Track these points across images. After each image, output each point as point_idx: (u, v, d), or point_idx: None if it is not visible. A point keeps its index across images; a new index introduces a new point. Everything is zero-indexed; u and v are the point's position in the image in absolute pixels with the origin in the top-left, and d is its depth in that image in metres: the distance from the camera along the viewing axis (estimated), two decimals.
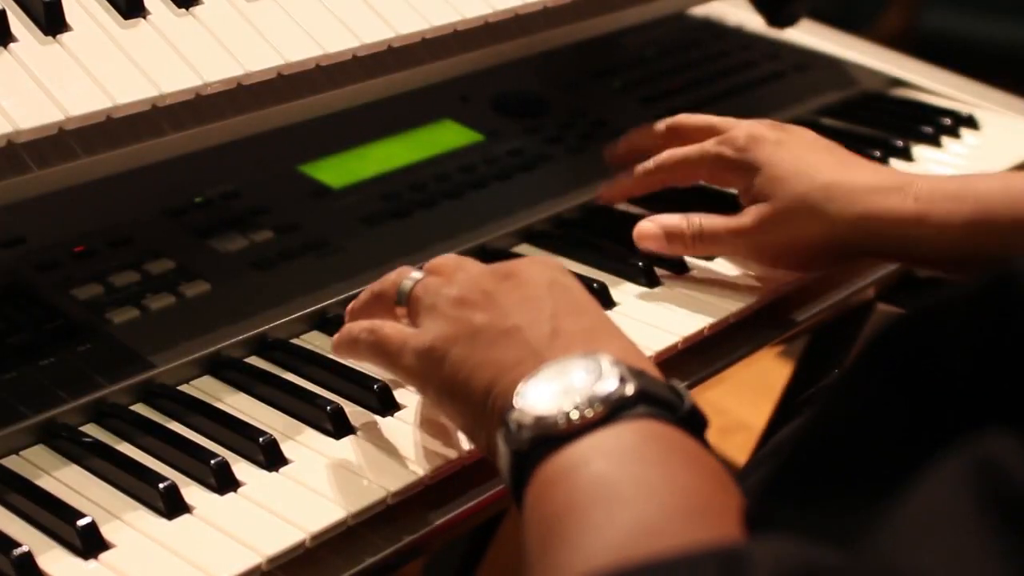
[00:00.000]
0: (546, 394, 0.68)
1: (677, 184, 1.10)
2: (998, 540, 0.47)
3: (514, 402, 0.69)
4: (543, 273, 0.79)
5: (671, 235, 1.03)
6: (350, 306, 0.89)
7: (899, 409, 0.55)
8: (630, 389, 0.67)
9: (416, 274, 0.84)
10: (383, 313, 0.85)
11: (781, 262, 1.03)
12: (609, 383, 0.67)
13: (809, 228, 0.99)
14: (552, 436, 0.67)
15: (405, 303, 0.83)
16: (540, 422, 0.67)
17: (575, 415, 0.66)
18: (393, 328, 0.82)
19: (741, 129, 1.05)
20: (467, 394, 0.75)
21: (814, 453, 0.59)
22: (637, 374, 0.68)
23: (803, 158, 1.01)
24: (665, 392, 0.69)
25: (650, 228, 1.03)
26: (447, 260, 0.85)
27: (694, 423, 0.69)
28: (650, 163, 1.09)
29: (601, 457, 0.65)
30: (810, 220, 0.99)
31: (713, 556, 0.54)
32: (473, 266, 0.82)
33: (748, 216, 1.01)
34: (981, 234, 0.95)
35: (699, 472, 0.65)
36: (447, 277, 0.82)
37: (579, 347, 0.72)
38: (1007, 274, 0.53)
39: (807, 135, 1.05)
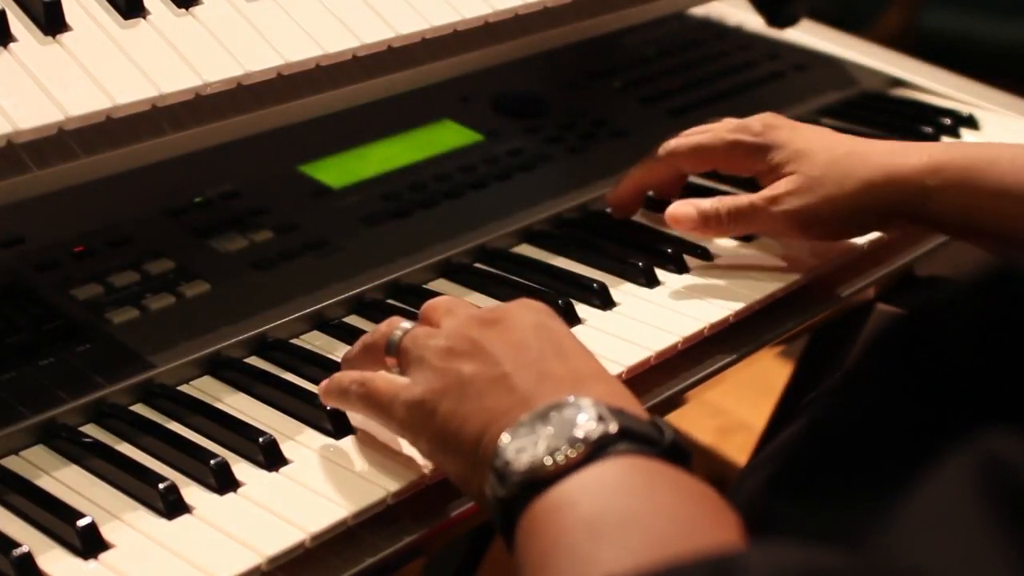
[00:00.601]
0: (530, 440, 0.70)
1: (687, 171, 1.12)
2: (1005, 536, 0.47)
3: (499, 451, 0.71)
4: (528, 317, 0.80)
5: (706, 216, 1.04)
6: (345, 355, 0.89)
7: (902, 408, 0.55)
8: (613, 427, 0.69)
9: (405, 324, 0.84)
10: (374, 363, 0.85)
11: (814, 231, 1.05)
12: (590, 424, 0.69)
13: (837, 193, 1.02)
14: (537, 480, 0.68)
15: (394, 353, 0.83)
16: (525, 468, 0.69)
17: (559, 457, 0.68)
18: (384, 380, 0.82)
19: (752, 118, 1.08)
20: (458, 444, 0.76)
21: (818, 452, 0.59)
22: (617, 413, 0.70)
23: (820, 136, 1.06)
24: (646, 428, 0.70)
25: (685, 210, 1.05)
26: (436, 305, 0.85)
27: (677, 455, 0.70)
28: (660, 150, 1.10)
29: (585, 495, 0.66)
30: (838, 185, 1.02)
31: (705, 565, 0.54)
32: (462, 310, 0.82)
33: (778, 188, 1.04)
34: (988, 192, 0.99)
35: (684, 496, 0.66)
36: (435, 325, 0.82)
37: (566, 390, 0.73)
38: (1008, 271, 0.53)
39: (813, 125, 1.10)
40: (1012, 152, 1.01)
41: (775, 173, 1.05)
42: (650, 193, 1.14)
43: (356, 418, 0.87)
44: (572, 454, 0.68)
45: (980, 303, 0.53)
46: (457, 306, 0.83)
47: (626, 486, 0.66)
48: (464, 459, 0.76)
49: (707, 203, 1.05)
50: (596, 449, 0.68)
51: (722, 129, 1.08)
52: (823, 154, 1.04)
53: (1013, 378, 0.51)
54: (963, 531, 0.48)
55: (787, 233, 1.06)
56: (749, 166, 1.07)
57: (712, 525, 0.64)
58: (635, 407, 0.73)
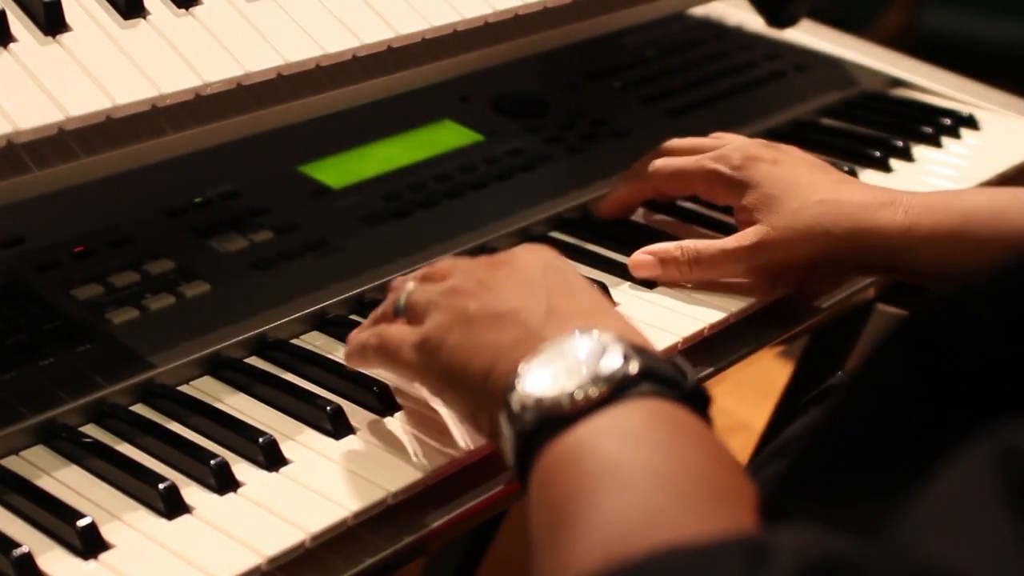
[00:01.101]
0: (548, 374, 0.68)
1: (669, 194, 1.11)
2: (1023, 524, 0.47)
3: (516, 383, 0.69)
4: (537, 258, 0.80)
5: (665, 262, 1.03)
6: (352, 333, 0.89)
7: (919, 400, 0.55)
8: (634, 367, 0.67)
9: (410, 284, 0.85)
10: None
11: (779, 281, 1.04)
12: (613, 361, 0.67)
13: (805, 246, 1.01)
14: (557, 417, 0.66)
15: (404, 313, 0.83)
16: (543, 403, 0.67)
17: (579, 395, 0.66)
18: (396, 328, 0.83)
19: (733, 146, 1.07)
20: (466, 378, 0.75)
21: (833, 445, 0.59)
22: (639, 351, 0.68)
23: (797, 177, 1.03)
24: (669, 369, 0.69)
25: (644, 259, 1.04)
26: (440, 264, 0.85)
27: (698, 399, 0.69)
28: (643, 171, 1.09)
29: (608, 440, 0.65)
30: (805, 238, 1.00)
31: (737, 545, 0.54)
32: (466, 262, 0.83)
33: (745, 238, 1.02)
34: (966, 246, 0.98)
35: (709, 455, 0.65)
36: (441, 277, 0.83)
37: (577, 326, 0.72)
38: (1020, 266, 0.53)
39: (798, 153, 1.07)
40: (988, 202, 1.00)
41: (745, 212, 1.04)
42: None
43: (387, 376, 0.87)
44: (594, 393, 0.66)
45: (997, 294, 0.54)
46: (461, 260, 0.84)
47: (651, 437, 0.65)
48: (473, 393, 0.75)
49: (668, 248, 1.04)
50: (618, 389, 0.66)
51: (705, 156, 1.07)
52: (795, 201, 1.01)
53: None
54: (981, 520, 0.48)
55: (751, 282, 1.04)
56: (723, 198, 1.07)
57: (735, 494, 0.63)
58: (651, 347, 0.72)
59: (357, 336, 0.86)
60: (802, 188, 1.02)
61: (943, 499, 0.49)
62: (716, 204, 1.10)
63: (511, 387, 0.70)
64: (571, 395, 0.66)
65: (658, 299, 1.03)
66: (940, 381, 0.55)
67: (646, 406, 0.66)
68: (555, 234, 1.13)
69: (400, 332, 0.82)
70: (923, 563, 0.48)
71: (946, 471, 0.50)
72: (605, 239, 1.11)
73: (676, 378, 0.69)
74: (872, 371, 0.58)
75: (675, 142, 1.11)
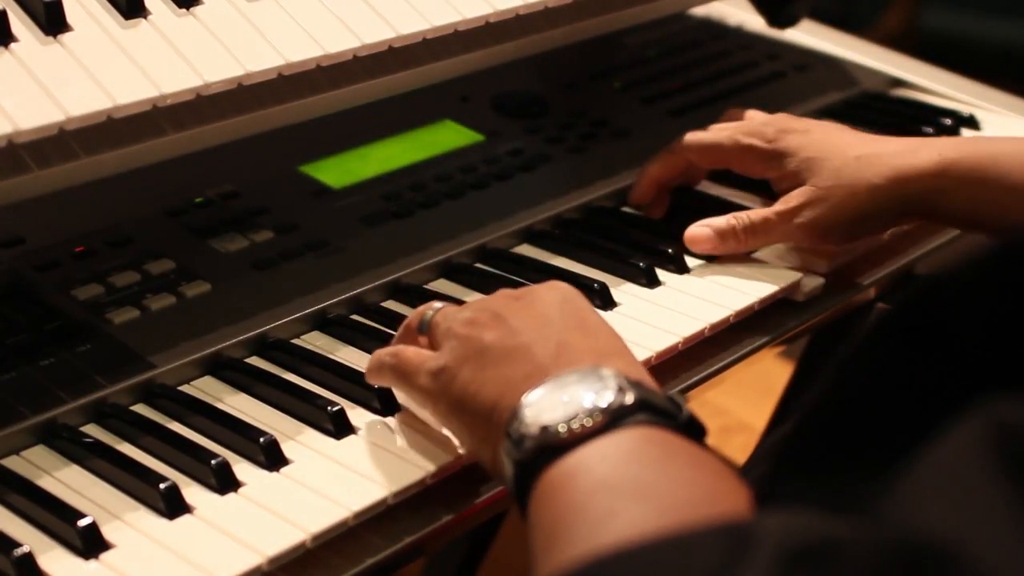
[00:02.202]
0: (548, 405, 0.70)
1: (701, 166, 1.15)
2: (1014, 494, 0.47)
3: (517, 414, 0.71)
4: (555, 295, 0.82)
5: (723, 233, 1.07)
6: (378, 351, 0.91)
7: (907, 381, 0.56)
8: (629, 398, 0.69)
9: (438, 304, 0.87)
10: (410, 344, 0.87)
11: (831, 237, 1.07)
12: (608, 394, 0.69)
13: (853, 200, 1.04)
14: (554, 445, 0.68)
15: (426, 332, 0.85)
16: (542, 432, 0.69)
17: (575, 424, 0.68)
18: (413, 351, 0.84)
19: (762, 119, 1.12)
20: (474, 410, 0.77)
21: (821, 428, 0.60)
22: (636, 385, 0.70)
23: (831, 139, 1.08)
24: (664, 402, 0.71)
25: (701, 231, 1.07)
26: (472, 300, 0.88)
27: (693, 431, 0.70)
28: (674, 144, 1.12)
29: (602, 461, 0.67)
30: (851, 191, 1.04)
31: (718, 532, 0.55)
32: (486, 298, 0.85)
33: (792, 200, 1.06)
34: (996, 187, 1.02)
35: (701, 468, 0.66)
36: (465, 305, 0.85)
37: (585, 363, 0.74)
38: (1009, 248, 0.53)
39: (827, 123, 1.12)
40: (1016, 147, 1.04)
41: (787, 181, 1.08)
42: None
43: (400, 395, 0.88)
44: (589, 422, 0.68)
45: (989, 272, 0.54)
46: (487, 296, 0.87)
47: (643, 455, 0.67)
48: (479, 424, 0.77)
49: (722, 221, 1.07)
50: (614, 419, 0.68)
51: (738, 131, 1.11)
52: (834, 160, 1.06)
53: (1018, 347, 0.52)
54: (972, 492, 0.48)
55: (805, 242, 1.08)
56: (761, 171, 1.10)
57: (727, 498, 0.64)
58: (651, 384, 0.74)
59: (377, 353, 0.88)
60: (839, 147, 1.06)
61: (933, 473, 0.49)
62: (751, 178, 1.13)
63: (513, 418, 0.72)
64: (568, 425, 0.69)
65: (659, 299, 1.03)
66: (928, 362, 0.55)
67: (640, 432, 0.68)
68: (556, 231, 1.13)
69: (418, 356, 0.83)
70: (912, 535, 0.48)
71: (936, 447, 0.50)
72: (607, 237, 1.11)
73: (671, 410, 0.70)
74: (860, 355, 0.59)
75: (703, 130, 1.14)
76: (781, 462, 0.62)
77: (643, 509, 0.62)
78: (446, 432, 0.85)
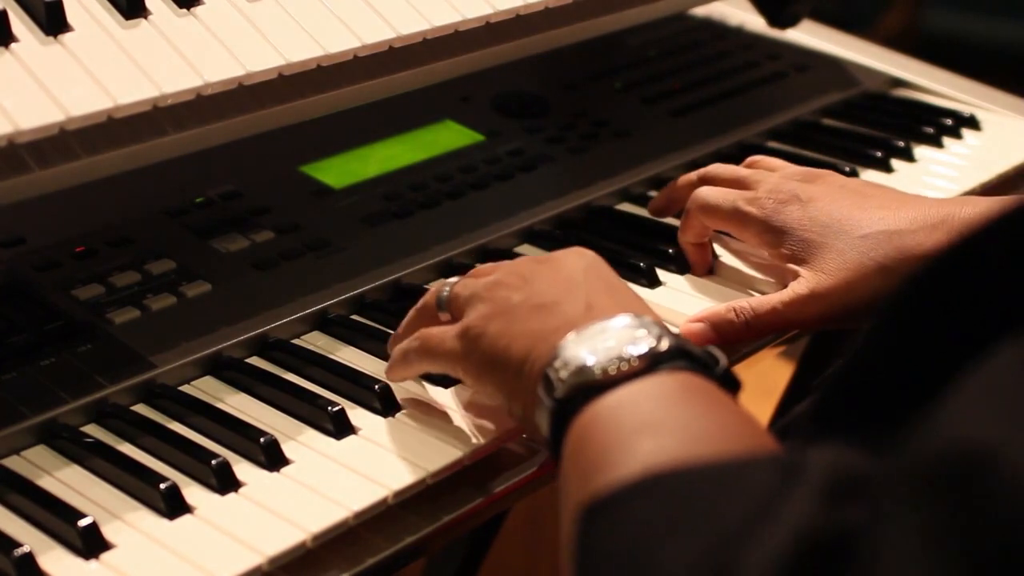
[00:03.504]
0: (586, 347, 0.71)
1: (708, 225, 1.06)
2: None
3: (554, 357, 0.72)
4: (579, 259, 0.83)
5: (719, 326, 0.97)
6: (395, 333, 0.91)
7: (943, 329, 0.55)
8: (666, 344, 0.70)
9: (452, 279, 0.87)
10: (428, 324, 0.87)
11: (845, 322, 0.99)
12: (649, 340, 0.70)
13: (864, 284, 0.96)
14: (592, 384, 0.69)
15: (446, 307, 0.86)
16: (580, 372, 0.70)
17: (613, 367, 0.69)
18: (437, 328, 0.85)
19: (767, 187, 1.02)
20: (505, 363, 0.78)
21: (857, 380, 0.59)
22: (675, 336, 0.72)
23: (834, 215, 0.99)
24: (702, 353, 0.72)
25: (695, 327, 0.98)
26: (484, 265, 0.88)
27: (729, 383, 0.71)
28: (689, 202, 1.05)
29: (644, 399, 0.68)
30: (862, 277, 0.96)
31: (769, 460, 0.56)
32: (510, 261, 0.86)
33: (801, 287, 0.97)
34: None
35: (736, 417, 0.67)
36: (485, 275, 0.85)
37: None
38: None
39: (834, 182, 1.03)
40: None
41: (784, 258, 1.00)
42: None
43: (405, 389, 0.89)
44: (627, 366, 0.69)
45: (1011, 232, 0.53)
46: (504, 261, 0.87)
47: (682, 397, 0.68)
48: (510, 377, 0.77)
49: (721, 313, 0.98)
50: (652, 363, 0.69)
51: (740, 198, 1.02)
52: (837, 242, 0.97)
53: None
54: (1014, 401, 0.47)
55: (813, 328, 1.02)
56: (758, 244, 1.03)
57: (764, 446, 0.64)
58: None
59: (397, 347, 0.88)
60: (843, 226, 0.98)
61: (974, 391, 0.48)
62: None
63: (550, 361, 0.72)
64: (606, 366, 0.70)
65: (659, 299, 1.03)
66: (963, 309, 0.54)
67: (679, 377, 0.69)
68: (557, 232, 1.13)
69: (440, 329, 0.84)
70: (952, 445, 0.47)
71: (976, 372, 0.49)
72: (607, 237, 1.11)
73: (708, 361, 0.72)
74: (894, 310, 0.58)
75: (717, 170, 1.08)
76: (818, 415, 0.62)
77: (684, 447, 0.63)
78: (452, 404, 0.85)
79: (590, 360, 0.70)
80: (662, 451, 0.62)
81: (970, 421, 0.48)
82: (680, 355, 0.70)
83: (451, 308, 0.85)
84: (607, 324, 0.73)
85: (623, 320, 0.73)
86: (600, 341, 0.71)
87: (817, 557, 0.50)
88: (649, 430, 0.65)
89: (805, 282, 0.97)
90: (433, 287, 0.88)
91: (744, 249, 1.09)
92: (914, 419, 0.50)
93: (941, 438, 0.48)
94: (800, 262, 0.99)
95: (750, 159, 1.10)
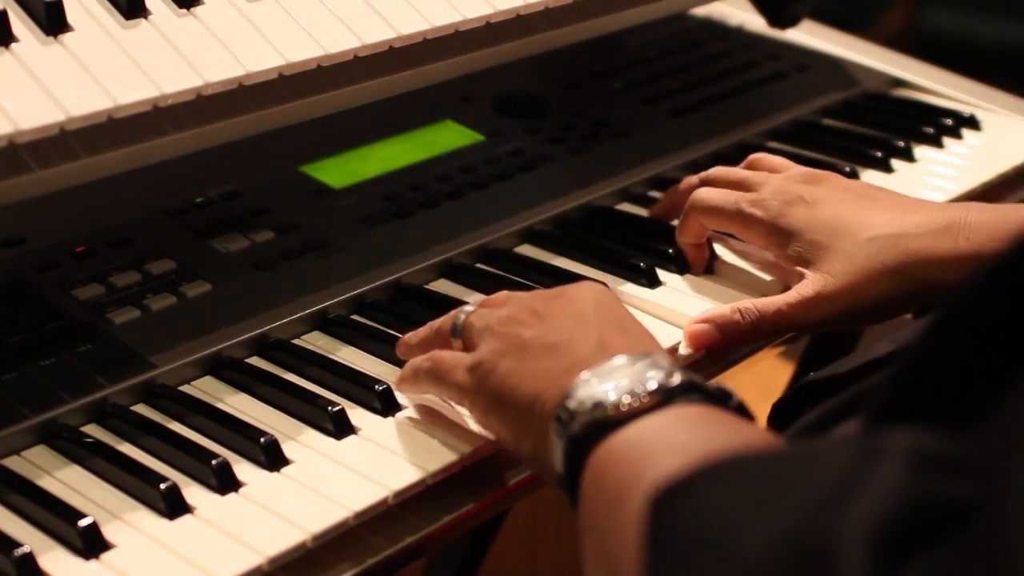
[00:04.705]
0: (599, 386, 0.71)
1: (709, 227, 1.05)
2: None
3: (567, 396, 0.72)
4: (590, 294, 0.82)
5: (725, 328, 0.97)
6: (404, 338, 0.91)
7: (1020, 318, 0.53)
8: (678, 379, 0.70)
9: (469, 307, 0.87)
10: (442, 347, 0.87)
11: (855, 324, 1.00)
12: (660, 374, 0.70)
13: (871, 286, 0.95)
14: (606, 421, 0.69)
15: (460, 335, 0.86)
16: (593, 409, 0.70)
17: (626, 401, 0.69)
18: (449, 353, 0.85)
19: (771, 189, 1.01)
20: (515, 402, 0.77)
21: (927, 373, 0.57)
22: (687, 371, 0.71)
23: (840, 217, 0.98)
24: (713, 387, 0.72)
25: (701, 328, 0.97)
26: (499, 294, 0.88)
27: (744, 416, 0.71)
28: (690, 198, 1.05)
29: (663, 430, 0.67)
30: (868, 279, 0.95)
31: (846, 443, 0.55)
32: (523, 293, 0.86)
33: (804, 290, 0.96)
34: None
35: (769, 440, 0.67)
36: (499, 305, 0.85)
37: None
38: None
39: (839, 185, 1.02)
40: None
41: (789, 260, 0.99)
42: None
43: (432, 400, 0.89)
44: (640, 402, 0.69)
45: None
46: (518, 292, 0.87)
47: (701, 425, 0.67)
48: (520, 416, 0.77)
49: (724, 314, 0.97)
50: (666, 397, 0.69)
51: (743, 199, 1.02)
52: (844, 244, 0.96)
53: None
54: None
55: (819, 329, 1.01)
56: (764, 245, 1.02)
57: None
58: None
59: (411, 361, 0.88)
60: (850, 227, 0.97)
61: None
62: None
63: (562, 401, 0.72)
64: (619, 403, 0.69)
65: (660, 299, 1.03)
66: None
67: (695, 408, 0.69)
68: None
69: (453, 356, 0.84)
70: None
71: None
72: (608, 237, 1.11)
73: (720, 395, 0.71)
74: (964, 301, 0.56)
75: (718, 172, 1.07)
76: (884, 408, 0.59)
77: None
78: (477, 428, 0.85)
79: (603, 397, 0.70)
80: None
81: None
82: (692, 389, 0.70)
83: (464, 337, 0.85)
84: (618, 362, 0.72)
85: (634, 357, 0.72)
86: (612, 379, 0.71)
87: (918, 526, 0.49)
88: (689, 446, 0.64)
89: (811, 284, 0.96)
90: (451, 312, 0.88)
91: (746, 249, 1.08)
92: (993, 401, 0.50)
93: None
94: (806, 264, 0.98)
95: (751, 158, 1.09)
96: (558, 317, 0.80)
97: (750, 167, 1.08)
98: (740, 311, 0.97)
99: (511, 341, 0.80)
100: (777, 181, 1.02)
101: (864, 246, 0.96)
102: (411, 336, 0.91)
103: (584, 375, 0.72)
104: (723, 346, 0.98)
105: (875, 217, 0.97)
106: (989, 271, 0.54)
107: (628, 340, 0.77)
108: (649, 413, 0.68)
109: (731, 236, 1.08)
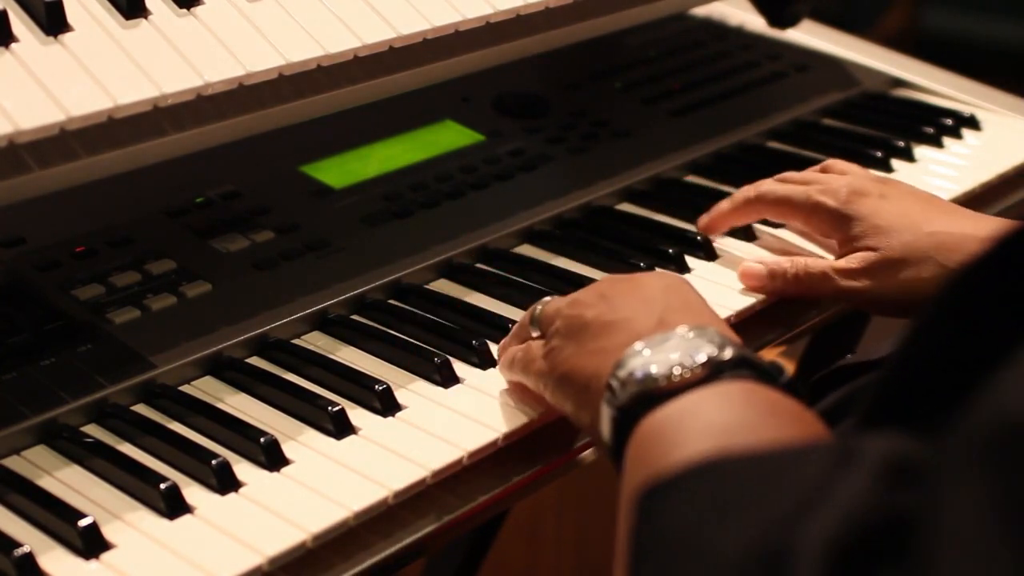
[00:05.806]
0: (650, 357, 0.72)
1: (772, 219, 1.11)
2: None
3: (619, 366, 0.73)
4: (661, 279, 0.84)
5: (775, 274, 1.03)
6: (502, 342, 0.94)
7: (997, 319, 0.54)
8: (729, 353, 0.71)
9: (547, 299, 0.89)
10: (526, 339, 0.90)
11: (883, 309, 1.03)
12: (711, 348, 0.71)
13: (918, 276, 0.98)
14: (654, 392, 0.70)
15: (538, 324, 0.88)
16: (643, 380, 0.71)
17: (676, 373, 0.70)
18: (536, 344, 0.87)
19: (843, 181, 1.05)
20: (576, 381, 0.79)
21: (909, 373, 0.58)
22: (739, 346, 0.72)
23: (906, 210, 1.02)
24: (765, 363, 0.72)
25: (755, 268, 1.04)
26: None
27: (794, 393, 0.71)
28: (751, 192, 1.08)
29: (707, 405, 0.68)
30: (919, 268, 0.98)
31: (826, 446, 0.56)
32: (600, 280, 0.87)
33: (853, 261, 1.01)
34: None
35: (802, 420, 0.67)
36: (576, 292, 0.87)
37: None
38: None
39: (905, 187, 1.06)
40: None
41: (850, 245, 1.02)
42: None
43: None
44: (689, 373, 0.70)
45: None
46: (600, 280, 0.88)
47: (746, 403, 0.68)
48: (579, 393, 0.79)
49: (782, 261, 1.04)
50: (715, 371, 0.70)
51: (813, 189, 1.05)
52: (905, 234, 1.00)
53: None
54: None
55: (854, 306, 1.05)
56: (828, 231, 1.05)
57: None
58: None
59: (508, 350, 0.90)
60: (913, 219, 1.00)
61: (1022, 369, 0.48)
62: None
63: (614, 371, 0.73)
64: (669, 374, 0.70)
65: None
66: (1014, 297, 0.54)
67: (743, 384, 0.69)
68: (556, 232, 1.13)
69: (537, 346, 0.86)
70: (1003, 417, 0.47)
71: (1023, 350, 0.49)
72: (607, 237, 1.11)
73: (772, 371, 0.72)
74: (945, 299, 0.57)
75: (788, 174, 1.10)
76: (872, 408, 0.61)
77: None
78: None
79: (652, 368, 0.71)
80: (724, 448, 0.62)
81: (1022, 394, 0.47)
82: (743, 364, 0.71)
83: (540, 327, 0.88)
84: (670, 334, 0.73)
85: (689, 329, 0.73)
86: (663, 350, 0.72)
87: (872, 538, 0.50)
88: (715, 431, 0.65)
89: (862, 256, 1.01)
90: (532, 306, 0.90)
91: (744, 250, 1.09)
92: (965, 401, 0.50)
93: (993, 413, 0.48)
94: (863, 240, 1.01)
95: (825, 163, 1.11)
96: (623, 297, 0.81)
97: (824, 171, 1.10)
98: (793, 262, 1.03)
99: (575, 323, 0.82)
100: (848, 177, 1.06)
101: (924, 238, 0.99)
102: (505, 339, 0.94)
103: (637, 345, 0.73)
104: (771, 292, 1.03)
105: (940, 217, 1.01)
106: (964, 274, 0.55)
107: (692, 318, 0.78)
108: (697, 387, 0.69)
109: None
